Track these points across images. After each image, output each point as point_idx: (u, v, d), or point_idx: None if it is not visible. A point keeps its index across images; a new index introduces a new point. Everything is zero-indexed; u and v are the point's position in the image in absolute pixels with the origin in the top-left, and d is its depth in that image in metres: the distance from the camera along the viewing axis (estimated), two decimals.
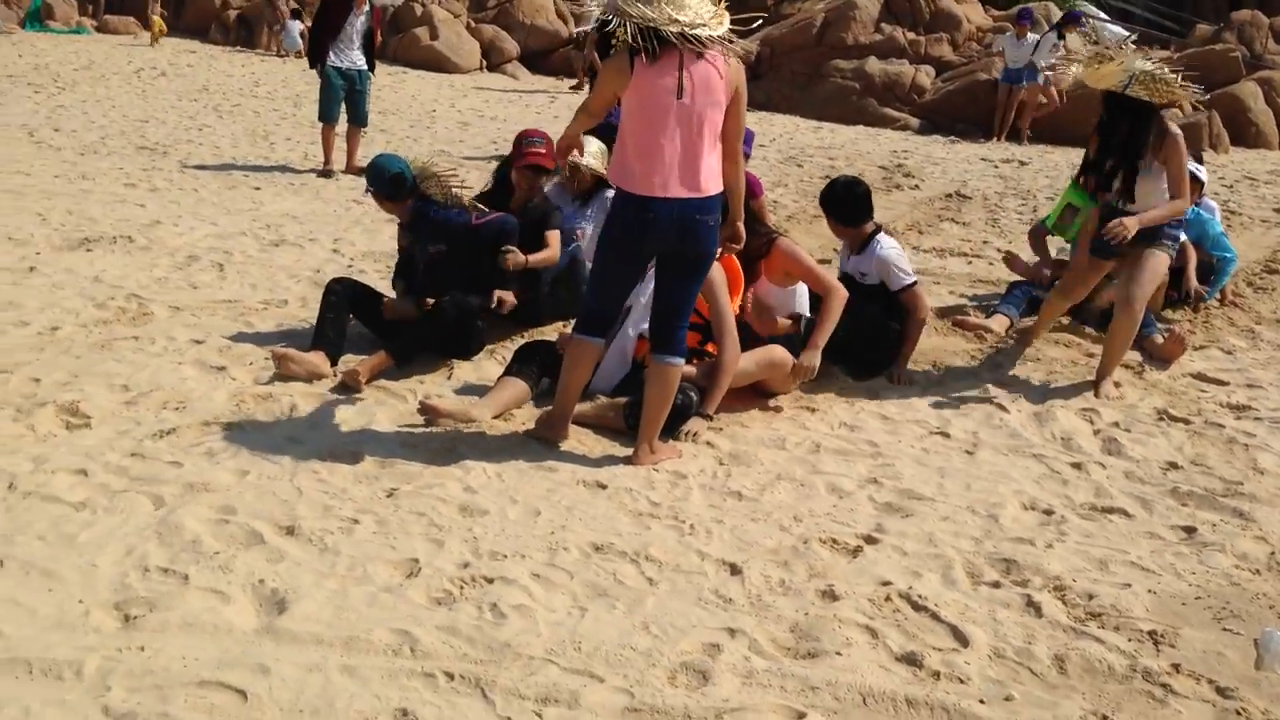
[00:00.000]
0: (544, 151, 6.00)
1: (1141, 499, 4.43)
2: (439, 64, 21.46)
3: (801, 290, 5.57)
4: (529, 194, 6.07)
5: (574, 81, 20.02)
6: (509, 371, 5.10)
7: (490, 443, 4.61)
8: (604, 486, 4.29)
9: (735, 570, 3.69)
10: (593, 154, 6.47)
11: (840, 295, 5.35)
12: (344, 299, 5.57)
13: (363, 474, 4.26)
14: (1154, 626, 3.45)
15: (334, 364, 5.34)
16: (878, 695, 3.03)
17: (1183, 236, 6.83)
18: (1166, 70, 5.43)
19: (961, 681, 3.12)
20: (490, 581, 3.51)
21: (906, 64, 18.28)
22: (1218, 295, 7.39)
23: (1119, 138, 5.44)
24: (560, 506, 4.08)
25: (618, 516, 4.04)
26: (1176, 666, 3.24)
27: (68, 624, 3.14)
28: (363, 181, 10.31)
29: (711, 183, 4.30)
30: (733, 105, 4.30)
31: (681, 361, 4.53)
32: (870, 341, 5.64)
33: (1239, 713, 3.04)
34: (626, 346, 5.10)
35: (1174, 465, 4.79)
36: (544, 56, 22.24)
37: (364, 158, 11.10)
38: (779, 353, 5.24)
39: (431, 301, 5.60)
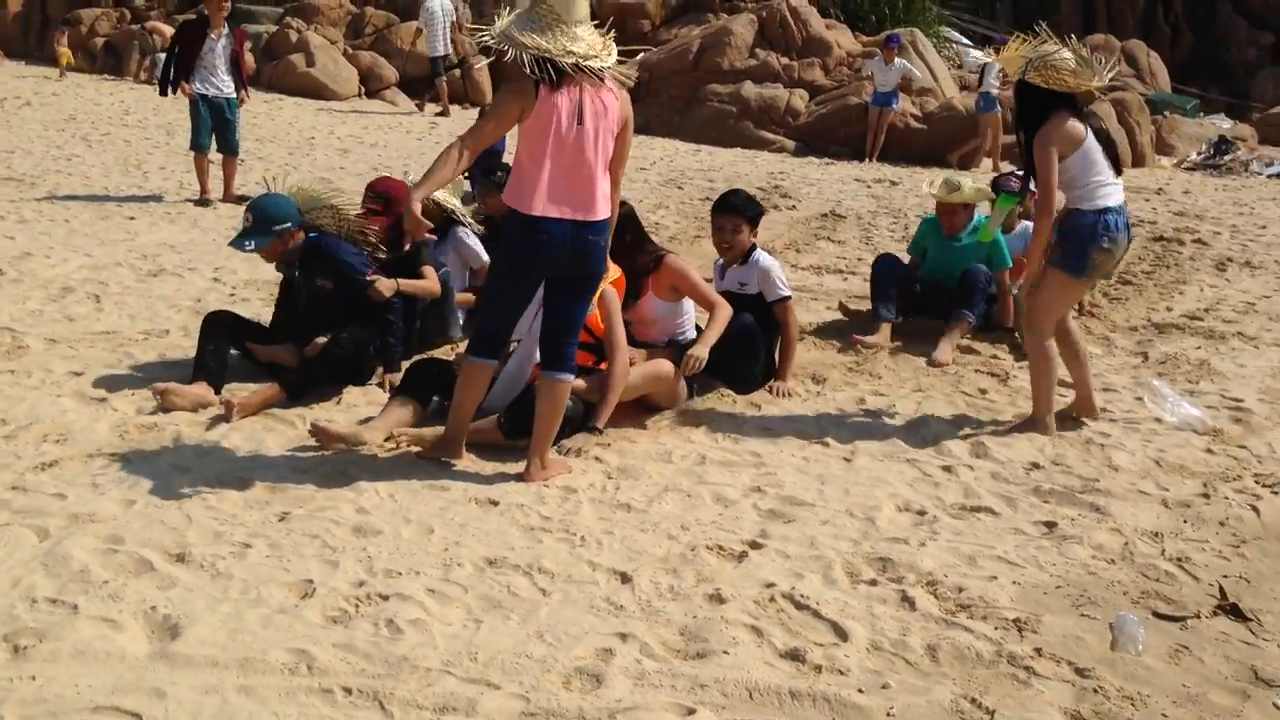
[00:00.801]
0: (378, 209, 6.11)
1: (1006, 498, 4.68)
2: (316, 91, 21.25)
3: (687, 307, 5.75)
4: (393, 241, 6.03)
5: (439, 109, 20.13)
6: (399, 391, 5.15)
7: (382, 464, 4.66)
8: (495, 503, 4.38)
9: (625, 579, 3.81)
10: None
11: (726, 309, 5.56)
12: (223, 330, 5.56)
13: (253, 499, 4.28)
14: (1018, 615, 3.66)
15: (218, 393, 5.31)
16: (763, 690, 3.17)
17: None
18: (1070, 57, 5.18)
19: (842, 673, 3.28)
20: (385, 599, 3.57)
21: (781, 88, 18.71)
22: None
23: (1023, 129, 5.30)
24: (453, 524, 4.15)
25: (510, 531, 4.13)
26: (1039, 650, 3.45)
27: None
28: (240, 209, 10.32)
29: (602, 206, 4.45)
30: (622, 134, 4.48)
31: (571, 377, 4.65)
32: (745, 355, 5.83)
33: (1096, 690, 3.25)
34: (525, 369, 5.15)
35: (1036, 465, 5.06)
36: (423, 82, 22.16)
37: (241, 185, 11.05)
38: (665, 366, 5.39)
39: (321, 341, 5.54)
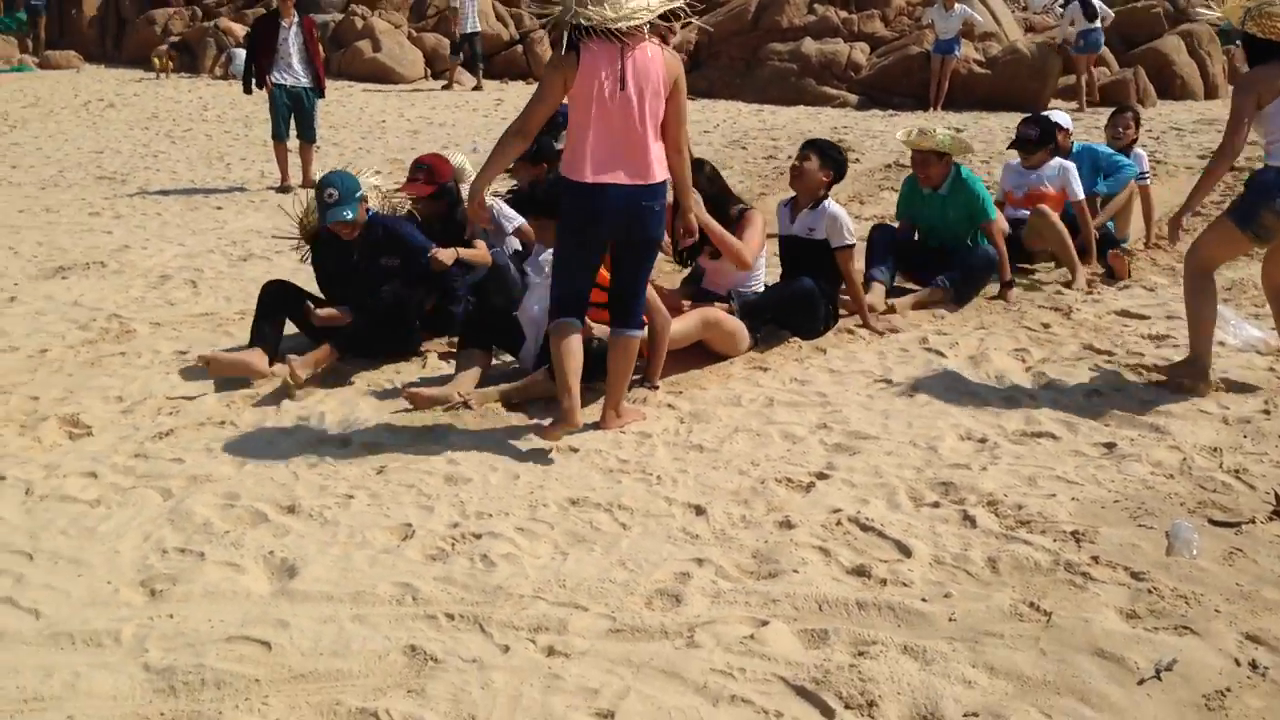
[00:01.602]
0: (420, 179, 6.26)
1: (1067, 423, 4.85)
2: (384, 75, 21.71)
3: (760, 263, 5.96)
4: (430, 217, 6.27)
5: (444, 83, 20.79)
6: (463, 345, 5.43)
7: (468, 420, 4.96)
8: (575, 450, 4.65)
9: (700, 511, 4.06)
10: (460, 165, 6.84)
11: (749, 255, 5.78)
12: (277, 299, 5.75)
13: (352, 456, 4.61)
14: (1075, 527, 3.85)
15: (272, 362, 5.52)
16: (832, 602, 3.41)
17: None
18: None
19: (905, 585, 3.50)
20: (479, 537, 3.87)
21: (841, 42, 18.73)
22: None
23: None
24: (537, 470, 4.44)
25: (590, 474, 4.40)
26: (1095, 558, 3.64)
27: (100, 601, 3.47)
28: None
29: (656, 170, 4.52)
30: (673, 95, 4.53)
31: (641, 332, 4.85)
32: (807, 314, 6.03)
33: (1151, 590, 3.43)
34: (541, 322, 5.40)
35: (1096, 392, 5.21)
36: (486, 60, 22.50)
37: (319, 171, 11.44)
38: (713, 313, 5.61)
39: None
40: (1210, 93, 18.38)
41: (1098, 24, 16.88)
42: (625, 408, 4.92)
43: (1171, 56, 18.17)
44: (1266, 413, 4.89)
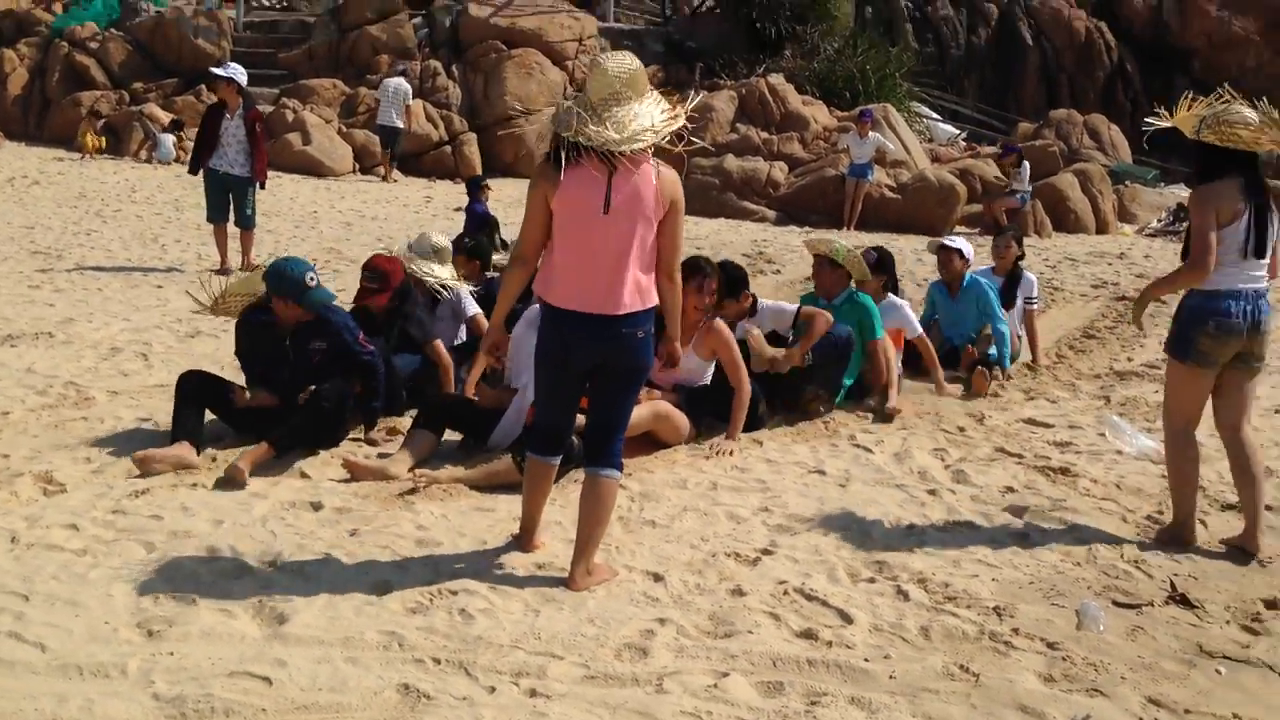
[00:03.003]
0: (374, 288, 6.55)
1: (984, 514, 5.30)
2: (313, 168, 21.97)
3: (710, 368, 6.38)
4: (379, 312, 6.56)
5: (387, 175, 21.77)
6: (416, 425, 5.75)
7: (432, 492, 5.23)
8: None
9: (658, 578, 4.40)
10: (424, 254, 7.18)
11: (747, 394, 6.26)
12: (197, 390, 5.74)
13: (325, 519, 4.87)
14: (997, 603, 4.27)
15: (198, 452, 5.50)
16: (785, 659, 3.77)
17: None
18: (1251, 114, 4.81)
19: (849, 647, 3.88)
20: (454, 594, 4.16)
21: (761, 161, 19.56)
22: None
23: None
24: (502, 537, 4.74)
25: (553, 544, 4.71)
26: (1016, 630, 4.05)
27: (101, 638, 3.69)
28: None
29: (637, 299, 4.17)
30: (668, 217, 4.20)
31: (618, 475, 4.41)
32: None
33: (1064, 659, 3.85)
34: (523, 407, 5.77)
35: (1010, 489, 5.68)
36: (416, 159, 22.97)
37: (257, 256, 11.69)
38: (664, 406, 6.01)
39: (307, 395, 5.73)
40: (1101, 228, 19.52)
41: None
42: (596, 565, 4.38)
43: (1066, 192, 19.32)
44: (1160, 513, 5.39)
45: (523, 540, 4.67)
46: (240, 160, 11.50)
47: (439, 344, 6.68)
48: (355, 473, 5.38)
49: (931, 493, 5.60)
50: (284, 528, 4.73)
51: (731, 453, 6.05)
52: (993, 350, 7.96)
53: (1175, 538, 5.02)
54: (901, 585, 4.42)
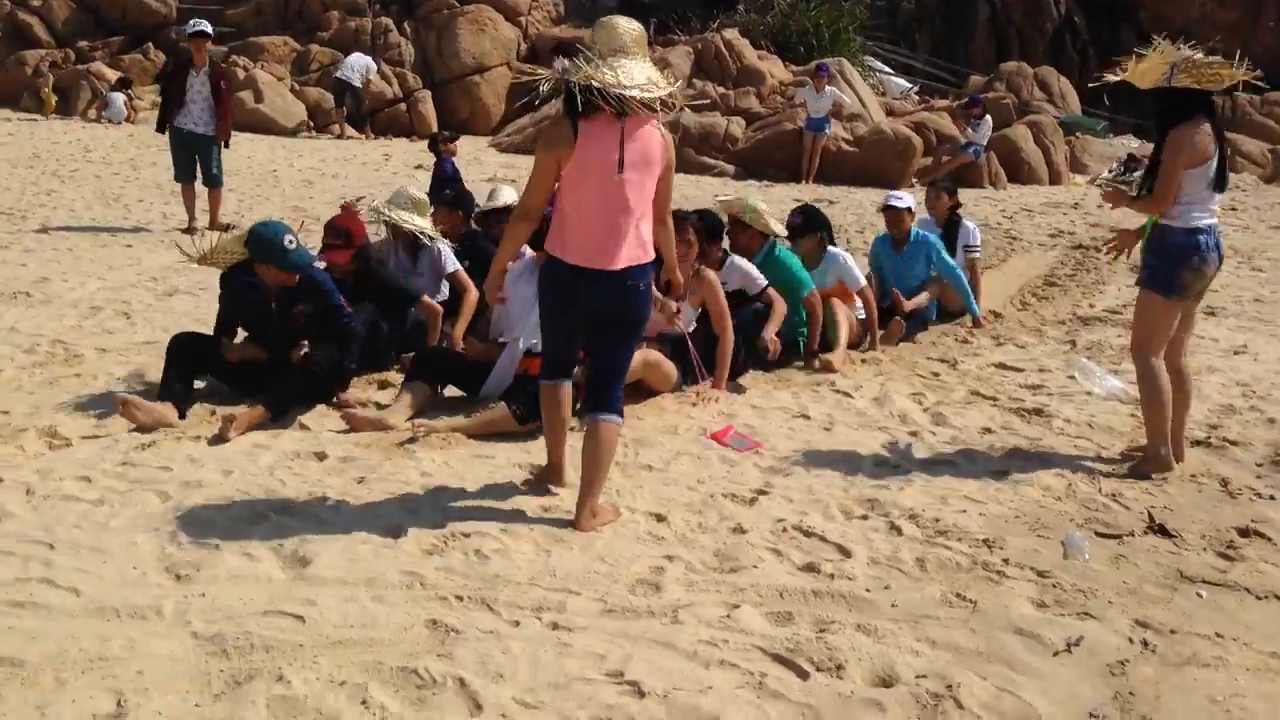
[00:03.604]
0: (338, 245, 6.52)
1: (966, 454, 5.51)
2: (265, 125, 21.80)
3: (692, 315, 6.48)
4: (346, 275, 6.45)
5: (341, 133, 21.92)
6: (411, 377, 5.88)
7: (432, 441, 5.35)
8: (535, 466, 5.11)
9: (660, 518, 4.57)
10: (403, 206, 7.19)
11: (731, 341, 6.39)
12: (186, 352, 5.76)
13: (331, 468, 4.97)
14: (986, 536, 4.48)
15: (182, 415, 5.51)
16: (791, 591, 3.95)
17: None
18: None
19: (850, 579, 4.06)
20: (467, 536, 4.29)
21: (719, 116, 19.66)
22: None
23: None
24: (506, 483, 4.88)
25: (554, 487, 4.85)
26: (1006, 560, 4.26)
27: (132, 582, 3.79)
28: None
29: (640, 252, 4.37)
30: (665, 174, 4.42)
31: (619, 420, 4.55)
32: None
33: (1054, 585, 4.06)
34: (515, 357, 5.90)
35: (988, 430, 5.90)
36: (371, 116, 22.84)
37: (223, 215, 11.66)
38: (653, 354, 6.15)
39: (303, 352, 5.82)
40: (1054, 178, 19.86)
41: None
42: (600, 506, 4.53)
43: (1020, 144, 19.62)
44: (1135, 449, 5.63)
45: (552, 475, 4.82)
46: (205, 118, 11.45)
47: (428, 299, 6.77)
48: (354, 424, 5.49)
49: (913, 434, 5.80)
50: (292, 476, 4.84)
51: (718, 399, 6.22)
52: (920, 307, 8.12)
53: (1156, 464, 5.27)
54: (894, 521, 4.61)
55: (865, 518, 4.67)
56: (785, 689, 3.32)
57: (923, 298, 8.16)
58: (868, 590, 3.97)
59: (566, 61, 4.35)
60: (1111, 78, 5.33)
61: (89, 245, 10.20)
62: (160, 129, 11.72)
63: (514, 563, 4.09)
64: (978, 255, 9.12)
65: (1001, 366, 7.21)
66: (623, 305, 4.41)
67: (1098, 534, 4.57)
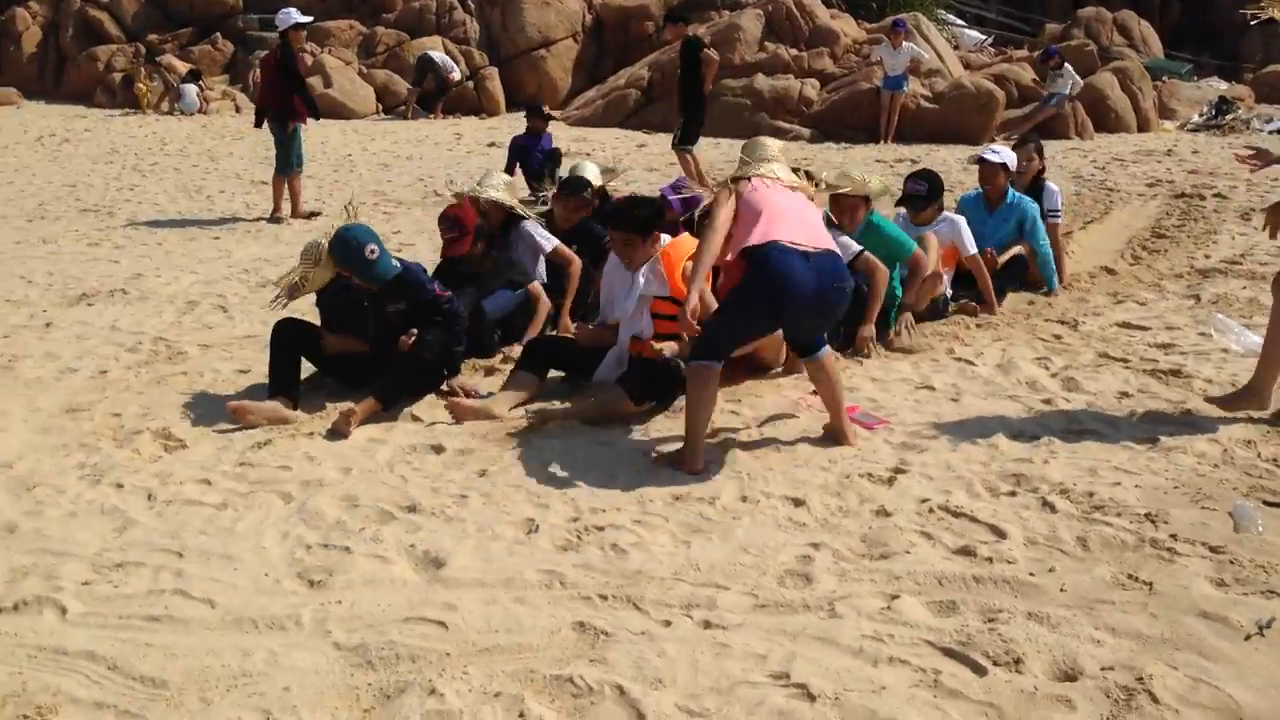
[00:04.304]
0: (455, 236, 6.51)
1: (1108, 421, 5.23)
2: (335, 110, 21.73)
3: None
4: (482, 253, 6.57)
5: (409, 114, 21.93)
6: (519, 367, 5.73)
7: (549, 430, 5.18)
8: (660, 452, 4.92)
9: (798, 503, 4.36)
10: (495, 186, 7.02)
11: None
12: (290, 338, 5.66)
13: (450, 461, 4.83)
14: (1147, 510, 4.21)
15: (294, 406, 5.43)
16: (950, 577, 3.73)
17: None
18: None
19: (1010, 562, 3.83)
20: (601, 529, 4.12)
21: (792, 78, 19.26)
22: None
23: None
24: (632, 470, 4.70)
25: (679, 474, 4.67)
26: (1174, 536, 4.00)
27: (267, 591, 3.67)
28: (313, 222, 10.86)
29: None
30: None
31: (828, 349, 5.03)
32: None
33: (1232, 562, 3.80)
34: (622, 353, 5.70)
35: (1125, 394, 5.61)
36: (438, 96, 22.72)
37: (305, 202, 11.63)
38: None
39: (411, 341, 5.61)
40: (1142, 126, 19.23)
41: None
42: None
43: (1106, 91, 19.00)
44: None
45: (686, 459, 4.73)
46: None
47: (537, 285, 6.63)
48: (458, 414, 5.35)
49: (1046, 402, 5.52)
50: (412, 472, 4.71)
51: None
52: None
53: (1254, 404, 5.15)
54: (1045, 497, 4.36)
55: (1013, 494, 4.43)
56: (963, 686, 3.11)
57: (1014, 252, 7.67)
58: (1031, 574, 3.74)
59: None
60: (1267, 13, 5.00)
61: (177, 239, 10.19)
62: (258, 124, 11.71)
63: (654, 556, 3.91)
64: (1060, 221, 8.38)
65: (1126, 326, 6.88)
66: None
67: (1266, 503, 4.29)
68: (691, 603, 3.58)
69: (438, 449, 4.96)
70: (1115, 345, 6.46)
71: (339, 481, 4.60)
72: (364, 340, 5.77)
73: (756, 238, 4.75)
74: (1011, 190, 7.86)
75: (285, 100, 11.28)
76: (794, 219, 4.87)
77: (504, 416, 5.38)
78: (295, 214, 11.37)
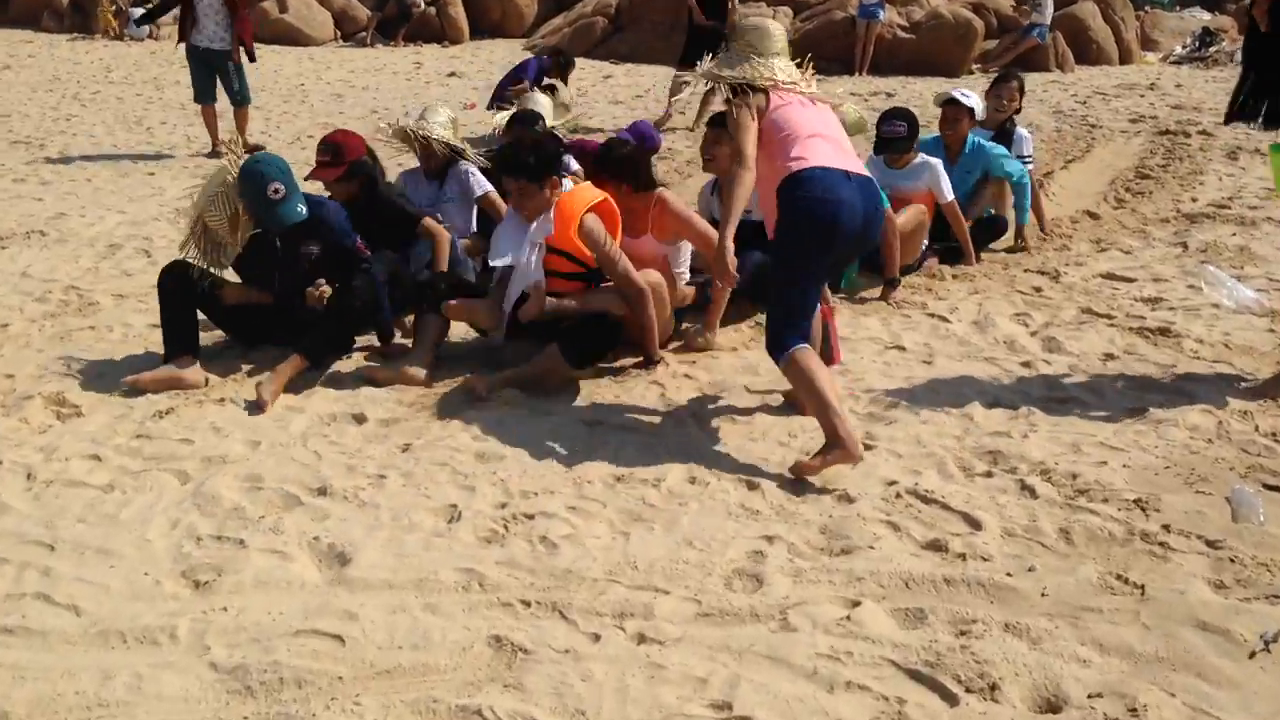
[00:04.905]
0: (326, 160, 5.64)
1: (1091, 388, 4.82)
2: (291, 36, 21.00)
3: (685, 250, 5.56)
4: (346, 200, 5.61)
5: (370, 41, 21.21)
6: (420, 314, 5.12)
7: (483, 397, 4.73)
8: (600, 423, 4.48)
9: (752, 486, 3.93)
10: (441, 124, 6.37)
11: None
12: (180, 291, 5.02)
13: (371, 434, 4.38)
14: (1137, 495, 3.80)
15: (195, 362, 4.89)
16: (917, 579, 3.31)
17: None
18: None
19: (985, 559, 3.42)
20: (531, 518, 3.69)
21: (764, 5, 18.61)
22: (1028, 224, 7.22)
23: None
24: (569, 445, 4.26)
25: (625, 450, 4.23)
26: (1167, 527, 3.59)
27: (143, 595, 3.22)
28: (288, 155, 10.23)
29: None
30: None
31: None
32: (757, 288, 5.54)
33: (1232, 560, 3.40)
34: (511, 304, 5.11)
35: (1110, 356, 5.19)
36: (400, 22, 21.90)
37: (251, 135, 11.00)
38: (655, 275, 5.17)
39: (324, 290, 5.07)
40: (1124, 58, 18.71)
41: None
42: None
43: (1088, 22, 18.45)
44: None
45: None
46: (220, 33, 10.68)
47: (430, 221, 5.83)
48: (373, 379, 4.85)
49: (1025, 365, 5.10)
50: (328, 446, 4.25)
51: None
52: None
53: None
54: (1024, 479, 3.95)
55: (989, 475, 4.01)
56: (931, 719, 2.71)
57: (980, 206, 7.02)
58: (1009, 575, 3.33)
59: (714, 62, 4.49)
60: None
61: (110, 175, 9.59)
62: (179, 43, 10.97)
63: (587, 551, 3.48)
64: (1033, 167, 7.71)
65: (1110, 277, 6.45)
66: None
67: (1266, 486, 3.89)
68: (625, 610, 3.15)
69: (359, 418, 4.50)
70: (1099, 299, 6.04)
71: (244, 458, 4.13)
72: (267, 287, 5.18)
73: (796, 163, 4.14)
74: (972, 137, 7.06)
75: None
76: (831, 138, 4.29)
77: (418, 378, 4.84)
78: (244, 148, 10.74)
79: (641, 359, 5.13)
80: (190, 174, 9.70)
